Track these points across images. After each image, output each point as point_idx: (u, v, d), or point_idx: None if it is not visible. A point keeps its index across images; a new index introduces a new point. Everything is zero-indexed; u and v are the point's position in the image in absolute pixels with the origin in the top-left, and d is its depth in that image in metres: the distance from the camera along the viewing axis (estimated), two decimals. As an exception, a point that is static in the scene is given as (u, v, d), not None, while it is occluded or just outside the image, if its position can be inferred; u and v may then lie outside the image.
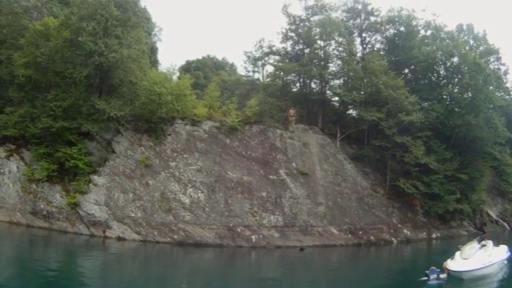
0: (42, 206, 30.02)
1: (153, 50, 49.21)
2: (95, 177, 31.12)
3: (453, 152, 40.25)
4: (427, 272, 18.83)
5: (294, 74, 41.71)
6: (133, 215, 30.18)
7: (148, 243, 28.79)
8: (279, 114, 37.04)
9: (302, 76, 42.11)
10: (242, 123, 35.37)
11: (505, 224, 48.53)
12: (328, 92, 42.75)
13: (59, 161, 30.63)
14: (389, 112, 37.20)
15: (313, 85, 43.28)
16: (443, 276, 18.16)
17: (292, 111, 37.92)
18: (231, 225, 31.00)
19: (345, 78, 41.44)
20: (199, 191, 31.94)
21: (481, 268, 17.83)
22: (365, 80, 39.29)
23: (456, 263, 18.29)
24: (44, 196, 30.35)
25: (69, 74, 30.91)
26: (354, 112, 43.23)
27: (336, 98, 43.09)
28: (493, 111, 42.33)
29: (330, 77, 41.19)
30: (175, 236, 29.59)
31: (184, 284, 17.01)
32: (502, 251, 21.93)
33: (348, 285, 20.23)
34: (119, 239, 28.87)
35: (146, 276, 18.23)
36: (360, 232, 34.17)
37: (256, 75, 53.02)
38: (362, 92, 39.65)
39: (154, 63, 46.55)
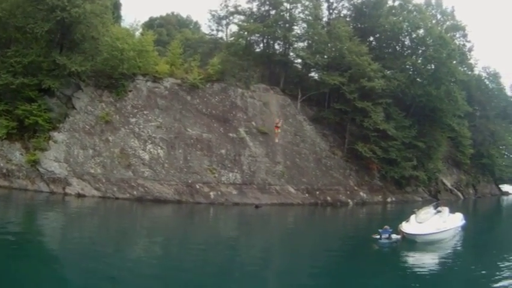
0: (1, 165, 29.50)
1: (116, 6, 47.81)
2: (54, 134, 30.70)
3: (412, 120, 41.37)
4: (380, 230, 18.86)
5: (258, 35, 41.46)
6: (92, 171, 30.05)
7: (107, 200, 28.75)
8: (241, 73, 37.04)
9: (266, 37, 41.95)
10: (203, 81, 35.26)
11: (459, 194, 50.47)
12: (291, 54, 42.89)
13: (18, 118, 30.04)
14: (352, 77, 37.65)
15: (276, 46, 43.24)
16: (394, 236, 18.10)
17: (278, 121, 35.27)
18: (189, 181, 31.19)
19: (309, 42, 41.50)
20: (159, 148, 31.93)
21: (435, 233, 17.60)
22: (329, 44, 39.55)
23: (411, 226, 18.11)
24: (3, 154, 29.78)
25: (30, 29, 30.12)
26: (316, 75, 43.55)
27: (299, 60, 43.33)
28: (455, 84, 43.48)
29: (294, 39, 41.23)
30: (135, 192, 29.66)
31: (143, 240, 16.93)
32: (457, 219, 21.87)
33: (302, 241, 20.39)
34: (79, 195, 28.69)
35: (105, 233, 18.11)
36: (317, 192, 34.91)
37: (220, 34, 52.58)
38: (325, 56, 39.90)
39: (117, 18, 45.35)
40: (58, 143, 30.44)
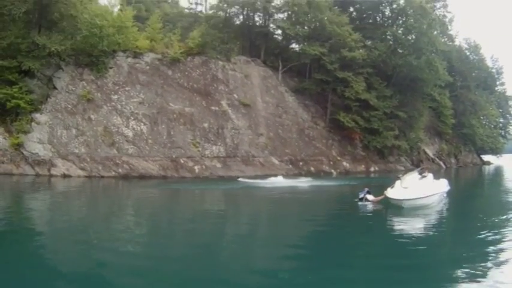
0: (-15, 151, 29.07)
1: (93, -17, 46.84)
2: (36, 116, 30.47)
3: (393, 90, 41.86)
4: (359, 192, 19.04)
5: (238, 7, 41.21)
6: (77, 151, 30.02)
7: (93, 179, 28.70)
8: (221, 46, 36.87)
9: (246, 9, 41.67)
10: (184, 55, 35.14)
11: (441, 163, 51.41)
12: (271, 25, 42.99)
13: (-1, 102, 29.61)
14: (332, 47, 37.82)
15: (256, 18, 43.08)
16: (370, 197, 17.99)
17: None
18: (174, 156, 31.36)
19: (289, 12, 41.27)
20: (142, 123, 31.98)
21: (421, 198, 17.33)
22: (309, 15, 39.48)
23: (396, 192, 17.83)
24: (-14, 140, 29.34)
25: (8, 11, 29.64)
26: (297, 46, 43.77)
27: (279, 32, 43.48)
28: (436, 55, 43.88)
29: (274, 10, 41.23)
30: (120, 170, 29.78)
31: (131, 216, 16.86)
32: (442, 184, 21.81)
33: (286, 210, 20.30)
34: (64, 176, 28.63)
35: (93, 212, 18.04)
36: (300, 163, 35.33)
37: (199, 8, 52.46)
38: (306, 27, 40.01)
39: (95, -5, 44.50)
40: (41, 125, 30.26)
